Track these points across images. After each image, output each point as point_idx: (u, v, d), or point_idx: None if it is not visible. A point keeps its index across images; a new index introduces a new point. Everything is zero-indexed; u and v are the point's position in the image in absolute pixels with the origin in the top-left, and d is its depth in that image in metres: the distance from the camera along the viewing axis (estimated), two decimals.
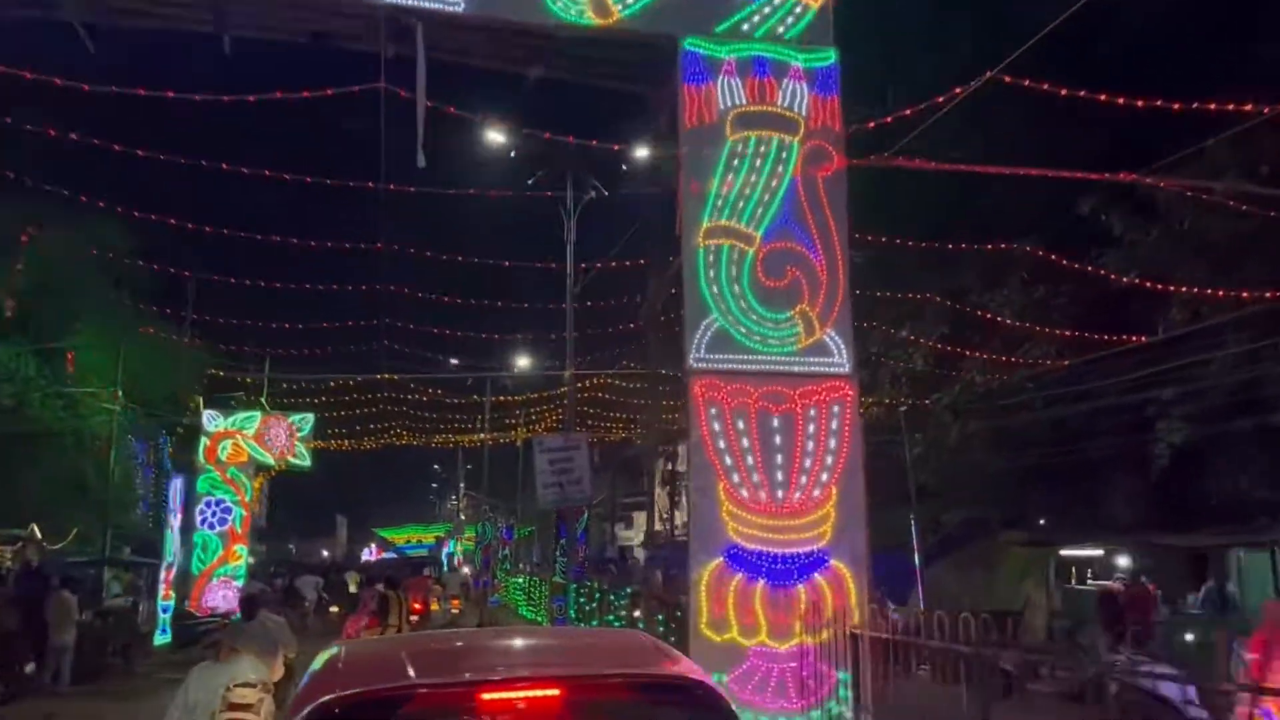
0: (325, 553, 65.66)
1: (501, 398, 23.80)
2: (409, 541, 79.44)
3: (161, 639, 18.21)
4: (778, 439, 8.69)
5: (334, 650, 3.75)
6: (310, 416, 27.47)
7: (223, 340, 29.16)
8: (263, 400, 27.67)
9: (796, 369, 8.83)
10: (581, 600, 17.74)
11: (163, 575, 18.37)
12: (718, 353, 8.76)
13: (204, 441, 26.69)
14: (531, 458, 19.54)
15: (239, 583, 25.79)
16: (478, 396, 28.64)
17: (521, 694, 3.08)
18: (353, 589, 30.32)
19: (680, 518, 48.28)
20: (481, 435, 30.35)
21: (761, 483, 8.64)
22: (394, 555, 64.19)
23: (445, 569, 40.60)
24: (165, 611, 18.27)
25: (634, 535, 73.97)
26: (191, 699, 6.41)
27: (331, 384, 25.34)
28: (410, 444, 27.72)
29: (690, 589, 8.55)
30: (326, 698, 3.03)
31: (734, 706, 3.31)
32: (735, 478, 8.62)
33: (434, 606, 29.37)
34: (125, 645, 19.99)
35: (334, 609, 29.69)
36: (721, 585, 8.52)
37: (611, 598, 16.27)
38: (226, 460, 26.56)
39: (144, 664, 20.82)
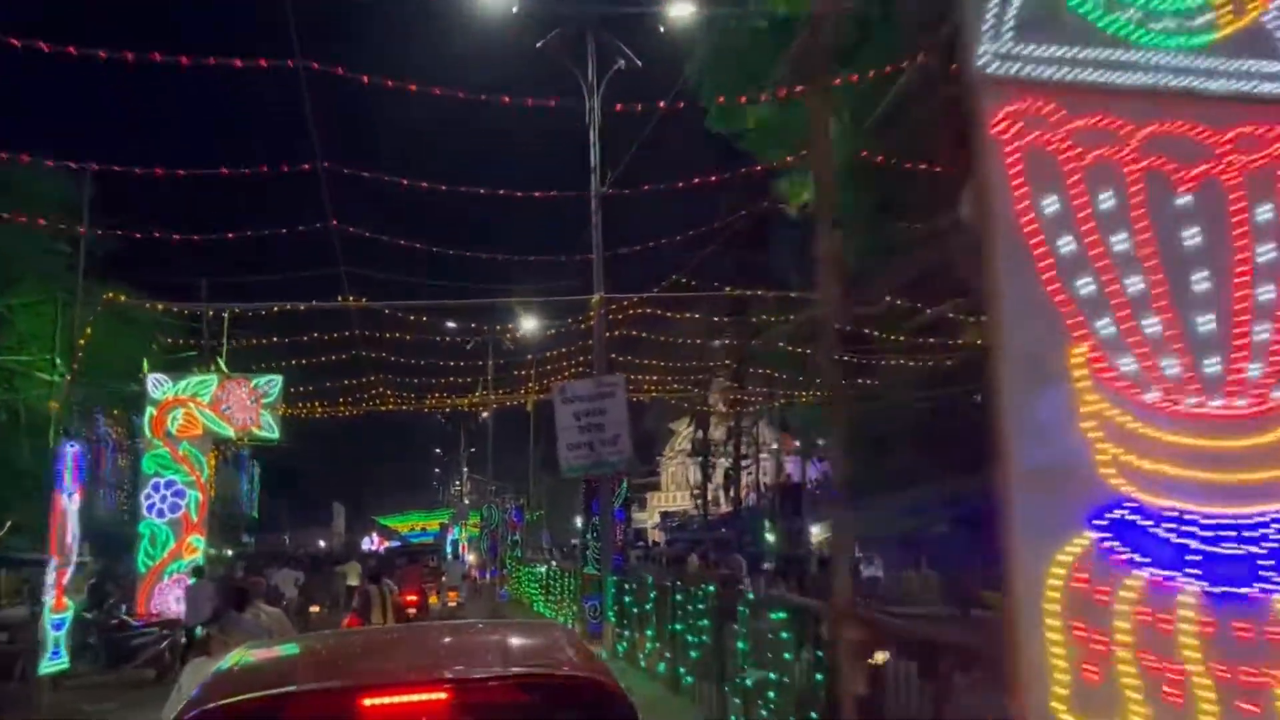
0: (322, 543, 60.66)
1: (509, 329, 18.66)
2: (412, 530, 74.71)
3: (53, 663, 13.20)
4: (1193, 242, 3.58)
5: (239, 653, 3.69)
6: (277, 379, 22.26)
7: (177, 300, 24.25)
8: (219, 361, 22.52)
9: (1215, 85, 3.71)
10: (627, 600, 12.67)
11: (50, 577, 13.28)
12: (1041, 41, 3.63)
13: (150, 412, 21.52)
14: (547, 422, 14.72)
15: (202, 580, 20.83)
16: (462, 333, 23.39)
17: (406, 698, 2.93)
18: (353, 582, 25.89)
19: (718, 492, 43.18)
20: (477, 395, 25.05)
21: (1164, 351, 3.50)
22: (399, 545, 59.43)
23: (451, 557, 35.62)
24: (58, 628, 13.29)
25: (646, 517, 69.23)
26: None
27: (302, 338, 20.22)
28: (397, 408, 22.74)
29: (1012, 606, 3.33)
30: (193, 711, 2.92)
31: (638, 713, 3.08)
32: (1109, 334, 3.49)
33: (432, 600, 25.01)
34: (23, 670, 14.98)
35: (314, 609, 24.90)
36: (1092, 598, 3.34)
37: (689, 601, 10.76)
38: (177, 433, 21.37)
39: (53, 694, 15.94)
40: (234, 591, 10.36)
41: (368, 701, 2.93)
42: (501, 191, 14.82)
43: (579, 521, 65.07)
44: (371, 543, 65.10)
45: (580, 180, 15.85)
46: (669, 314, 18.44)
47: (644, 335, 19.15)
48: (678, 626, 10.24)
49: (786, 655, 7.19)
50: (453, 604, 27.42)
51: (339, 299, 14.38)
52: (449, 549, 57.15)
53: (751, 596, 16.72)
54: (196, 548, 21.47)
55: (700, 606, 9.69)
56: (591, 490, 14.47)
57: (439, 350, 23.09)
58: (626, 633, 12.70)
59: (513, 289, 18.47)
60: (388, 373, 23.19)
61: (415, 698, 2.93)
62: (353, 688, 3.06)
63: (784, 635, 7.32)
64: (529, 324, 24.14)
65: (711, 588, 10.52)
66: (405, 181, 14.84)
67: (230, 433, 22.16)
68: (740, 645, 8.12)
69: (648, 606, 11.55)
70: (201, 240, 23.17)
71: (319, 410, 22.61)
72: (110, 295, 19.48)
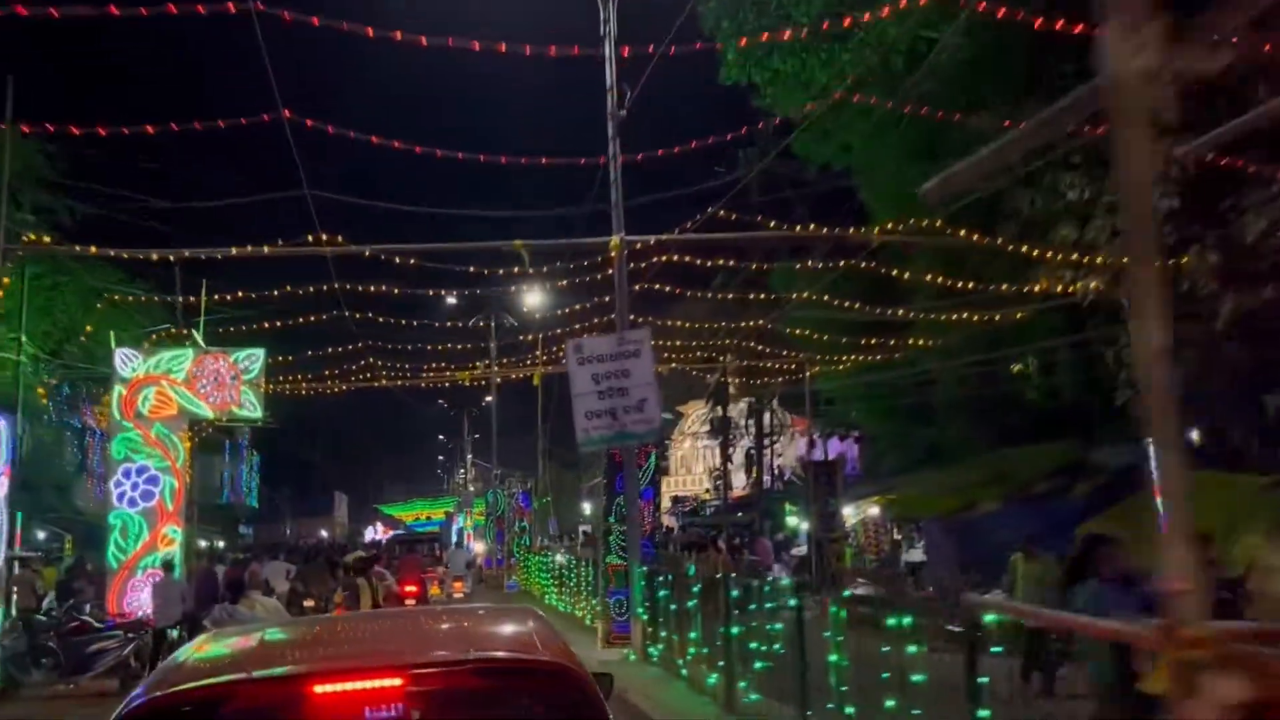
0: (324, 533, 58.58)
1: (514, 289, 16.17)
2: (417, 519, 72.97)
3: None
4: None
5: (201, 640, 3.62)
6: (259, 353, 19.98)
7: (147, 273, 22.03)
8: (194, 333, 20.29)
9: None
10: (662, 595, 10.39)
11: None
12: None
13: (118, 391, 19.36)
14: (559, 401, 12.50)
15: (175, 576, 18.73)
16: (462, 298, 21.13)
17: (359, 685, 2.80)
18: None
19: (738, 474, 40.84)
20: (479, 367, 22.68)
21: None
22: (402, 533, 57.47)
23: (454, 546, 33.45)
24: None
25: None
26: None
27: (276, 292, 17.91)
28: (391, 383, 20.48)
29: None
30: (136, 702, 2.83)
31: (603, 696, 3.03)
32: None
33: (434, 590, 23.05)
34: None
35: (309, 603, 22.80)
36: None
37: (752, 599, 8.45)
38: (150, 414, 19.18)
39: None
40: (230, 583, 10.14)
41: (319, 689, 2.82)
42: (501, 155, 12.55)
43: (586, 508, 62.94)
44: (375, 532, 63.09)
45: (589, 140, 13.68)
46: (699, 261, 16.10)
47: (669, 290, 16.84)
48: (734, 630, 7.99)
49: None
50: (458, 595, 25.34)
51: (314, 242, 12.10)
52: (454, 537, 55.28)
53: (786, 582, 14.62)
54: (173, 539, 19.32)
55: (771, 606, 7.42)
56: (615, 466, 12.23)
57: (435, 317, 20.93)
58: (662, 633, 10.48)
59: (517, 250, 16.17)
60: (379, 341, 20.88)
61: (369, 684, 2.82)
62: (303, 675, 2.96)
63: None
64: (535, 292, 21.87)
65: (787, 580, 8.27)
66: (396, 143, 12.52)
67: (208, 413, 19.94)
68: (834, 659, 5.90)
69: (690, 604, 9.32)
70: (170, 206, 21.15)
71: (304, 387, 20.37)
72: (32, 237, 17.26)
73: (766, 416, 37.44)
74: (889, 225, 21.91)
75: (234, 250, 13.06)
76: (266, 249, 14.67)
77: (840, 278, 26.19)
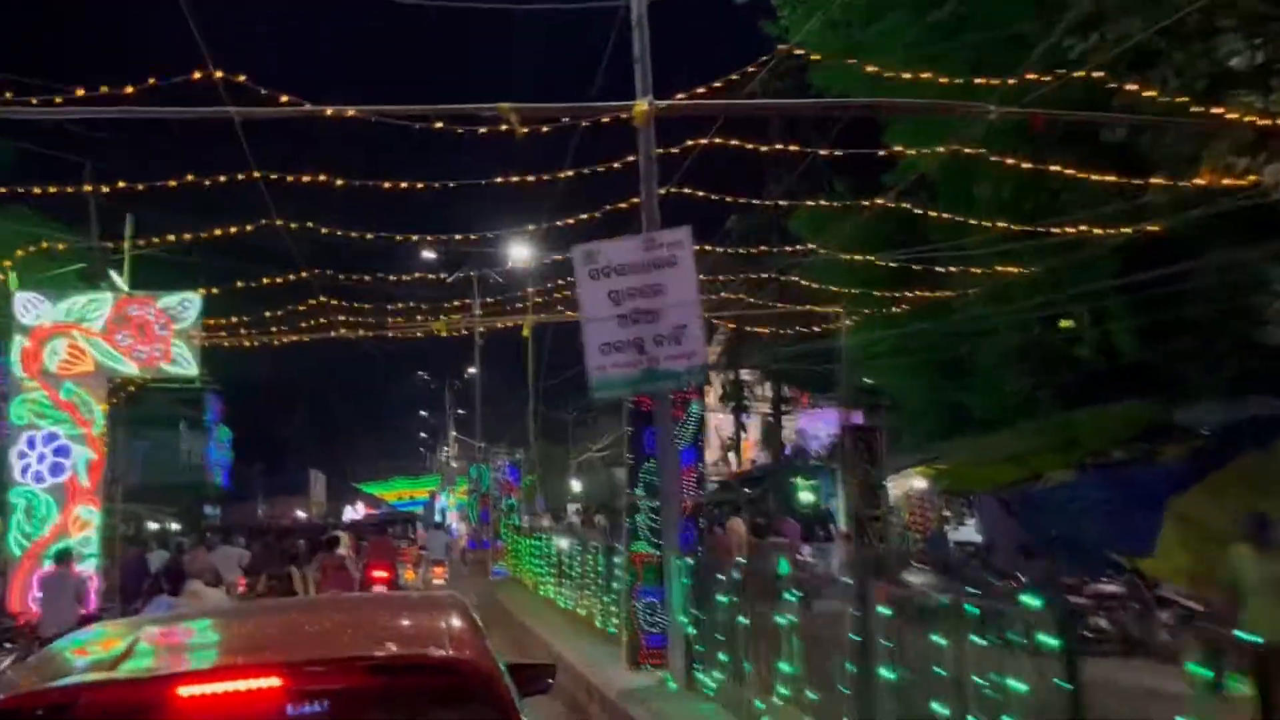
0: (301, 513, 55.01)
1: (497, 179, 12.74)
2: (400, 498, 69.67)
3: None
4: None
5: (83, 633, 3.47)
6: (194, 298, 16.38)
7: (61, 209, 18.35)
8: (114, 275, 16.73)
9: None
10: (723, 602, 6.84)
11: None
12: None
13: (19, 343, 15.88)
14: (560, 354, 8.94)
15: (91, 565, 15.40)
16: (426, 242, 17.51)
17: (229, 687, 2.50)
18: (341, 551, 20.52)
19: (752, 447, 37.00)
20: (458, 318, 18.94)
21: None
22: (373, 514, 54.17)
23: (433, 527, 30.10)
24: None
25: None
26: None
27: (220, 232, 14.41)
28: (352, 334, 16.91)
29: None
30: None
31: (515, 696, 2.76)
32: None
33: (409, 575, 19.96)
34: None
35: (266, 594, 19.44)
36: None
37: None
38: (59, 371, 15.68)
39: None
40: (168, 572, 9.14)
41: (184, 691, 2.53)
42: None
43: (576, 486, 59.72)
44: (355, 512, 59.57)
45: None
46: (745, 145, 12.55)
47: (703, 197, 13.23)
48: (892, 673, 4.54)
49: None
50: (438, 581, 22.16)
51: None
52: (438, 517, 51.82)
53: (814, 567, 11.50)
54: (89, 522, 15.86)
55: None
56: (642, 419, 8.75)
57: (406, 261, 17.44)
58: (721, 656, 7.05)
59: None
60: (336, 281, 17.33)
61: (240, 685, 2.52)
62: (166, 677, 2.67)
63: None
64: (525, 223, 18.34)
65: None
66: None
67: (131, 369, 16.40)
68: None
69: (782, 620, 5.91)
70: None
71: (251, 341, 16.83)
72: None
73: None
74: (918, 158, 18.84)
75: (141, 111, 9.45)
76: (191, 177, 11.36)
77: (873, 219, 22.80)
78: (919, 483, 19.36)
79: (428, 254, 27.10)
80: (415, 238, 16.76)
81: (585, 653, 10.20)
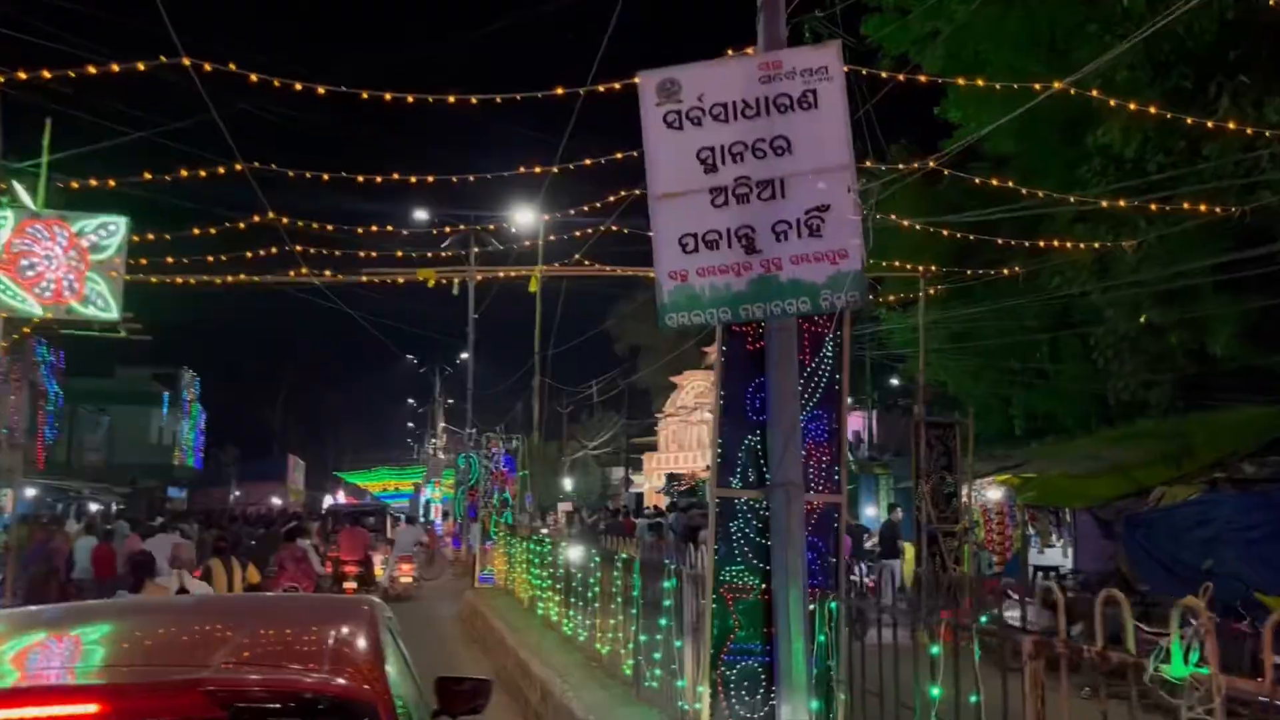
0: (276, 500, 51.23)
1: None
2: (385, 489, 65.95)
3: None
4: None
5: None
6: (119, 221, 12.82)
7: None
8: (15, 185, 13.16)
9: None
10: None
11: None
12: None
13: None
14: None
15: None
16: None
17: (38, 711, 2.10)
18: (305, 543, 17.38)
19: None
20: (448, 272, 15.19)
21: None
22: (344, 504, 50.59)
23: (403, 520, 26.62)
24: None
25: (645, 481, 60.12)
26: None
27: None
28: (314, 276, 13.29)
29: None
30: None
31: None
32: None
33: (377, 573, 16.92)
34: None
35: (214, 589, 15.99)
36: None
37: None
38: None
39: None
40: (132, 562, 10.61)
41: None
42: None
43: (568, 484, 56.25)
44: (335, 501, 55.87)
45: None
46: None
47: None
48: None
49: None
50: (406, 580, 19.05)
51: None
52: (423, 511, 48.14)
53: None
54: None
55: None
56: (746, 361, 5.12)
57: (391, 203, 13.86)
58: None
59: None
60: (303, 235, 13.83)
61: (50, 711, 2.13)
62: None
63: None
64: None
65: None
66: None
67: (34, 308, 12.83)
68: None
69: None
70: None
71: (188, 280, 13.21)
72: None
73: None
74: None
75: None
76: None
77: (933, 189, 19.42)
78: (994, 493, 15.90)
79: (419, 211, 23.62)
80: (399, 177, 13.24)
81: None
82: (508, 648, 11.16)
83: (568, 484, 58.25)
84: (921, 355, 15.23)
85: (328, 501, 55.65)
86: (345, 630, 2.78)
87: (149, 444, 44.13)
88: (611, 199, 12.12)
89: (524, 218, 23.64)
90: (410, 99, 9.40)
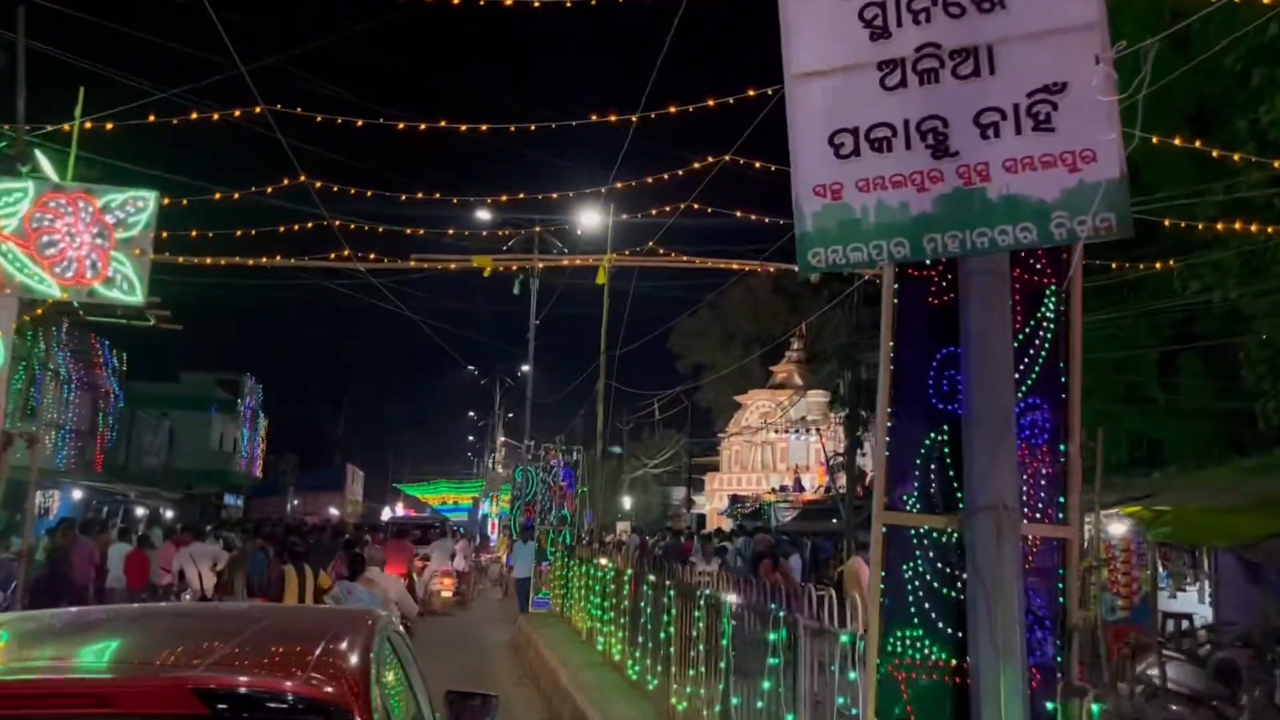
0: (334, 510, 50.42)
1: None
2: (444, 503, 65.01)
3: None
4: None
5: None
6: (149, 196, 11.57)
7: None
8: (37, 153, 11.98)
9: None
10: None
11: None
12: None
13: None
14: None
15: None
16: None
17: (32, 705, 2.24)
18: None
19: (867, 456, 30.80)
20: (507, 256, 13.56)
21: None
22: (429, 515, 49.63)
23: (445, 535, 25.21)
24: None
25: (706, 502, 58.08)
26: None
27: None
28: (360, 269, 11.85)
29: None
30: None
31: None
32: None
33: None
34: None
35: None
36: None
37: None
38: None
39: None
40: (349, 559, 9.81)
41: None
42: None
43: (626, 503, 54.61)
44: (394, 514, 54.94)
45: None
46: None
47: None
48: None
49: None
50: (445, 594, 17.65)
51: None
52: (480, 526, 46.83)
53: None
54: None
55: None
56: (927, 323, 3.52)
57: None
58: None
59: None
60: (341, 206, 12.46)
61: (46, 703, 2.27)
62: None
63: None
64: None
65: None
66: None
67: (53, 288, 11.60)
68: None
69: None
70: None
71: (217, 260, 11.87)
72: None
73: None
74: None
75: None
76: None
77: None
78: (1118, 527, 13.79)
79: (482, 213, 22.21)
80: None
81: None
82: (563, 689, 9.47)
83: (626, 503, 56.57)
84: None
85: (386, 514, 54.74)
86: (337, 639, 2.86)
87: (209, 450, 43.54)
88: (696, 165, 10.44)
89: (590, 219, 22.12)
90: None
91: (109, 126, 11.60)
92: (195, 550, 15.82)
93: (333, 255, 11.16)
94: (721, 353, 57.43)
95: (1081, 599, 10.53)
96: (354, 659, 2.68)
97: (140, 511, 25.53)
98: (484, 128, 8.36)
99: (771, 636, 5.29)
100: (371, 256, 11.26)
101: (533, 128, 8.19)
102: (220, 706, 2.23)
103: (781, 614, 5.15)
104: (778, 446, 52.12)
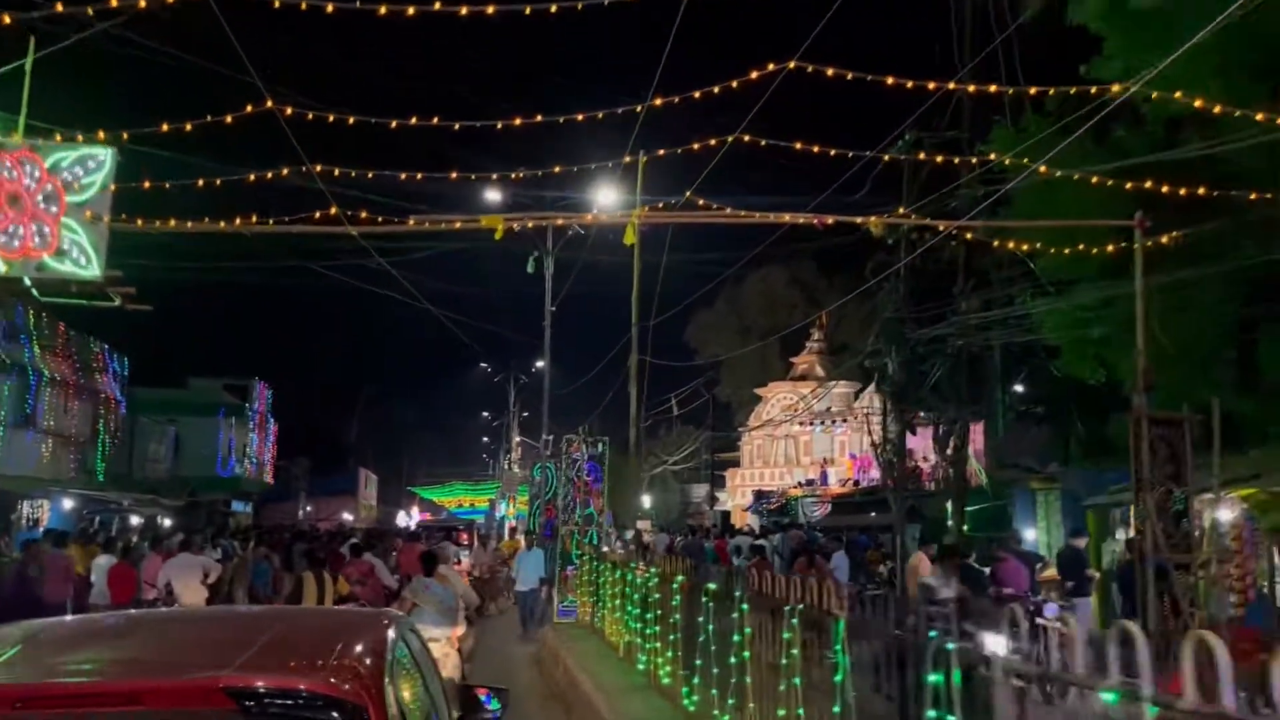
0: (348, 515, 48.83)
1: None
2: (460, 506, 63.40)
3: None
4: None
5: None
6: (105, 154, 9.92)
7: None
8: None
9: None
10: None
11: None
12: None
13: None
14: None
15: None
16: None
17: (71, 705, 2.38)
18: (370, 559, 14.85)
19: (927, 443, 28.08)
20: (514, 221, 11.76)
21: None
22: (448, 519, 48.08)
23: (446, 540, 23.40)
24: None
25: (728, 499, 56.20)
26: None
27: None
28: (351, 232, 10.07)
29: None
30: None
31: None
32: None
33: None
34: None
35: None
36: None
37: None
38: None
39: None
40: (422, 556, 10.26)
41: (21, 708, 2.34)
42: None
43: (645, 501, 52.84)
44: (409, 519, 53.30)
45: None
46: None
47: None
48: None
49: None
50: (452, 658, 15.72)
51: None
52: (497, 529, 45.16)
53: None
54: None
55: None
56: None
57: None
58: None
59: None
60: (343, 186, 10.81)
61: (85, 703, 2.40)
62: (5, 689, 2.42)
63: None
64: None
65: None
66: None
67: None
68: None
69: None
70: None
71: (183, 225, 10.09)
72: None
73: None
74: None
75: None
76: None
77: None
78: (1226, 512, 11.98)
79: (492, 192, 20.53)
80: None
81: None
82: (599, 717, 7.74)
83: (646, 501, 54.88)
84: (1141, 326, 11.49)
85: (401, 518, 53.12)
86: (353, 639, 2.99)
87: (215, 456, 41.91)
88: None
89: (606, 198, 20.39)
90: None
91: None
92: (181, 562, 14.16)
93: (317, 214, 9.47)
94: (738, 347, 55.84)
95: (1192, 597, 8.60)
96: (370, 658, 2.82)
97: (135, 520, 23.94)
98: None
99: (931, 678, 3.54)
100: (364, 216, 9.59)
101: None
102: (249, 704, 2.38)
103: (951, 646, 3.41)
104: (801, 440, 50.28)
